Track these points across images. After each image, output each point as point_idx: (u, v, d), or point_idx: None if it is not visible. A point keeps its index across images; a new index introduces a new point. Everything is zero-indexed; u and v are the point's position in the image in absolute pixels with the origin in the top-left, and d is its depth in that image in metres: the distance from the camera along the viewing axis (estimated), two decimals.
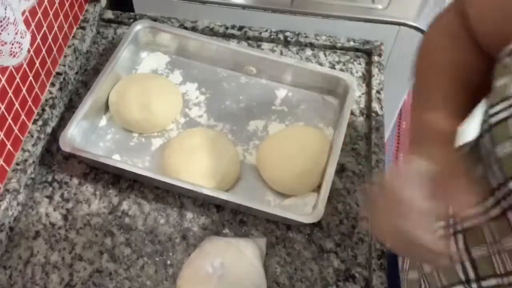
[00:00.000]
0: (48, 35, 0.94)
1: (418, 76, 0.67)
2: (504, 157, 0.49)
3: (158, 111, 0.96)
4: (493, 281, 0.56)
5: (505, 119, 0.49)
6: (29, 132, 0.92)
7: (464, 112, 0.62)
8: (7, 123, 0.85)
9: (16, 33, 0.65)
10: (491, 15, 0.58)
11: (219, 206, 0.90)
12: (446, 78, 0.63)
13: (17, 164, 0.88)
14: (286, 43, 1.12)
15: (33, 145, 0.90)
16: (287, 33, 1.11)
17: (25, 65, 0.87)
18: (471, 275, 0.59)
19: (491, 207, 0.54)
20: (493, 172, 0.52)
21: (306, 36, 1.11)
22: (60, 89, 0.99)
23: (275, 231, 0.88)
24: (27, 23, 0.83)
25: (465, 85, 0.62)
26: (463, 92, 0.62)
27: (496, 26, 0.57)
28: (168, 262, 0.85)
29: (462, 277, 0.60)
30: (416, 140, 0.62)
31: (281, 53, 1.10)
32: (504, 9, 0.55)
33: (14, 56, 0.67)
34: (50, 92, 0.97)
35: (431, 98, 0.63)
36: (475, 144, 0.62)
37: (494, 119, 0.50)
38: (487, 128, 0.51)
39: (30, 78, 0.90)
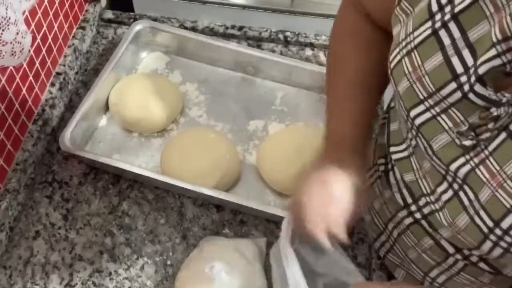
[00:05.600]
0: (48, 35, 0.94)
1: (329, 78, 0.75)
2: (403, 93, 0.57)
3: (158, 111, 0.96)
4: (424, 200, 0.64)
5: (400, 60, 0.56)
6: (29, 132, 0.92)
7: (371, 109, 0.71)
8: (7, 123, 0.85)
9: (17, 33, 0.65)
10: None
11: (219, 206, 0.90)
12: (351, 86, 0.71)
13: (17, 164, 0.88)
14: (286, 43, 1.12)
15: (33, 145, 0.90)
16: (287, 33, 1.11)
17: (25, 65, 0.87)
18: (409, 199, 0.68)
19: (410, 140, 0.63)
20: (400, 109, 0.60)
21: (306, 36, 1.11)
22: (60, 89, 0.98)
23: (275, 231, 0.88)
24: (27, 23, 0.83)
25: (370, 87, 0.71)
26: (369, 94, 0.71)
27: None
28: (168, 262, 0.85)
29: (402, 203, 0.69)
30: (329, 146, 0.71)
31: (281, 53, 1.10)
32: None
33: (15, 56, 0.67)
34: (50, 92, 0.97)
35: (340, 105, 0.71)
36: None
37: (392, 64, 0.58)
38: (390, 72, 0.59)
39: (30, 78, 0.90)
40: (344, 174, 0.64)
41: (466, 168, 0.54)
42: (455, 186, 0.56)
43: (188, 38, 1.05)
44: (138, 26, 1.04)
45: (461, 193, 0.56)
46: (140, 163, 0.94)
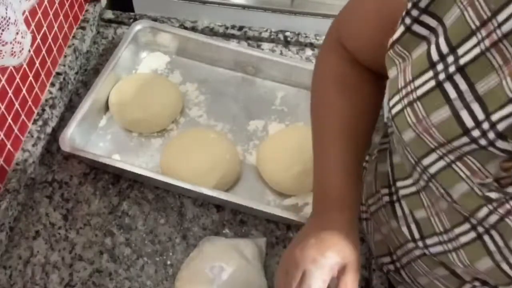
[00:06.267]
0: (48, 35, 0.94)
1: (313, 127, 0.72)
2: (409, 142, 0.54)
3: (158, 111, 0.96)
4: (435, 239, 0.60)
5: (402, 110, 0.53)
6: (29, 132, 0.92)
7: (359, 158, 0.68)
8: (7, 123, 0.85)
9: (17, 33, 0.65)
10: (366, 41, 0.65)
11: (219, 206, 0.90)
12: (337, 137, 0.68)
13: (17, 164, 0.88)
14: (286, 43, 1.12)
15: (33, 145, 0.90)
16: (287, 33, 1.11)
17: (25, 65, 0.87)
18: (416, 235, 0.63)
19: (417, 180, 0.59)
20: (407, 154, 0.57)
21: (306, 36, 1.11)
22: (60, 89, 0.98)
23: (275, 231, 0.88)
24: (27, 23, 0.83)
25: (357, 134, 0.68)
26: (356, 141, 0.68)
27: (373, 44, 0.61)
28: (168, 262, 0.85)
29: (409, 237, 0.65)
30: (317, 203, 0.68)
31: (281, 53, 1.10)
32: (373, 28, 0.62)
33: (15, 56, 0.67)
34: (50, 92, 0.97)
35: (327, 156, 0.68)
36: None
37: (393, 111, 0.54)
38: (391, 117, 0.55)
39: (30, 78, 0.90)
40: (328, 245, 0.60)
41: (494, 217, 0.50)
42: (480, 229, 0.53)
43: (188, 38, 1.05)
44: (138, 26, 1.04)
45: (487, 237, 0.53)
46: (140, 163, 0.94)
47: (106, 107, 0.99)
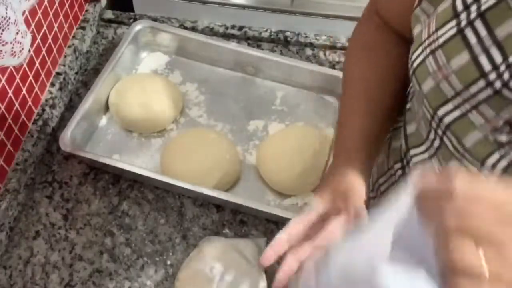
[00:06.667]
0: (48, 35, 0.94)
1: (343, 89, 0.74)
2: (428, 93, 0.56)
3: (158, 111, 0.96)
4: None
5: (423, 60, 0.55)
6: (29, 132, 0.92)
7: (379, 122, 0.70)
8: (7, 123, 0.85)
9: (17, 33, 0.65)
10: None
11: (219, 206, 0.90)
12: (361, 100, 0.71)
13: (17, 164, 0.88)
14: (286, 43, 1.12)
15: (33, 145, 0.90)
16: (287, 33, 1.11)
17: (25, 65, 0.87)
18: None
19: (432, 140, 0.61)
20: (424, 110, 0.59)
21: (306, 36, 1.11)
22: (60, 89, 0.99)
23: (275, 231, 0.88)
24: (27, 23, 0.83)
25: (382, 99, 0.70)
26: (380, 105, 0.70)
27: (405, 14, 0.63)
28: (168, 262, 0.85)
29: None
30: (336, 154, 0.71)
31: (281, 53, 1.10)
32: None
33: (15, 56, 0.67)
34: (50, 92, 0.97)
35: (346, 121, 0.71)
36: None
37: (415, 64, 0.57)
38: (412, 72, 0.58)
39: (30, 78, 0.90)
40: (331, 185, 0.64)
41: (503, 163, 0.52)
42: None
43: (188, 38, 1.05)
44: (138, 26, 1.04)
45: None
46: (140, 163, 0.94)
47: (106, 107, 0.99)
